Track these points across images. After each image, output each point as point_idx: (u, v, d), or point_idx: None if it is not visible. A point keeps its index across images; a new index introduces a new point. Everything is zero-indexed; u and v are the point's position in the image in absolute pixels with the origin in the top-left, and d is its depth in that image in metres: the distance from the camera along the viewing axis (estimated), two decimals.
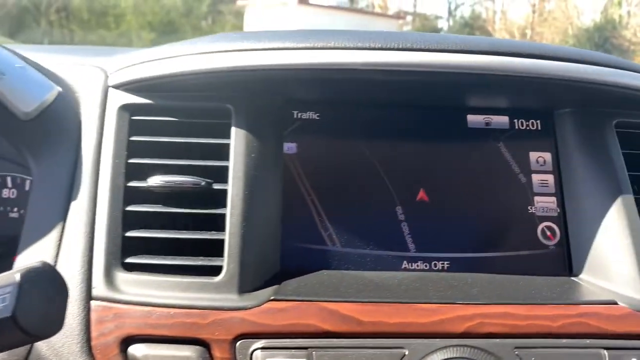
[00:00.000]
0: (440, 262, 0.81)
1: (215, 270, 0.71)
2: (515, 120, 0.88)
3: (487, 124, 0.87)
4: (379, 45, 0.74)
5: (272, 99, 0.83)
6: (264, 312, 0.68)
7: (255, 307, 0.68)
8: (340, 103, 0.86)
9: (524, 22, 24.23)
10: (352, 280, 0.75)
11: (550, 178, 0.85)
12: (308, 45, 0.74)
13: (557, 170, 0.86)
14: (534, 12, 23.52)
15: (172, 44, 0.81)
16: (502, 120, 0.87)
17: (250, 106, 0.80)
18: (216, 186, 0.76)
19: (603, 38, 17.05)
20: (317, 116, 0.85)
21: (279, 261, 0.78)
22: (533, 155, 0.86)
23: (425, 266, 0.81)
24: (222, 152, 0.77)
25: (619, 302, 0.72)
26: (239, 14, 21.06)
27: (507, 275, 0.79)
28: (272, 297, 0.69)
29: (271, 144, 0.81)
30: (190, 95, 0.80)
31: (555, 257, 0.83)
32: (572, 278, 0.80)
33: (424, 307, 0.69)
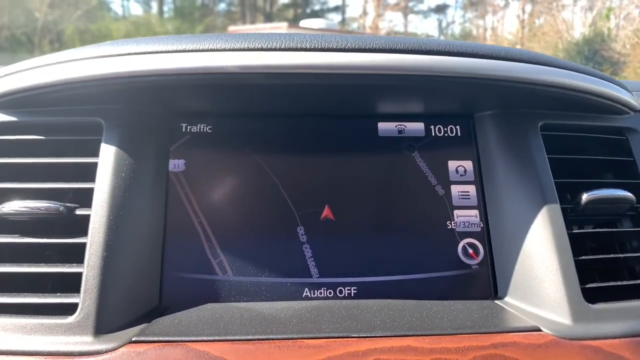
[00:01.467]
0: (347, 287, 0.71)
1: (72, 309, 0.61)
2: (432, 127, 0.79)
3: (400, 131, 0.78)
4: (258, 46, 0.65)
5: (155, 111, 0.74)
6: (120, 356, 0.57)
7: (110, 350, 0.58)
8: (236, 114, 0.77)
9: (514, 37, 24.36)
10: (239, 314, 0.66)
11: (471, 189, 0.76)
12: (176, 48, 0.65)
13: (479, 180, 0.77)
14: (522, 27, 23.67)
15: (42, 56, 0.73)
16: (416, 127, 0.79)
17: (126, 120, 0.71)
18: (79, 212, 0.66)
19: (593, 51, 17.08)
20: (210, 129, 0.76)
21: (158, 295, 0.68)
22: (452, 165, 0.77)
23: (329, 293, 0.71)
24: (92, 172, 0.68)
25: (542, 329, 0.62)
26: None
27: (421, 301, 0.70)
28: (133, 339, 0.59)
29: (152, 161, 0.72)
30: (60, 109, 0.72)
31: (479, 278, 0.73)
32: (496, 302, 0.71)
33: (312, 344, 0.59)
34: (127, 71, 0.64)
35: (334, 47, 0.66)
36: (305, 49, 0.65)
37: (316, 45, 0.66)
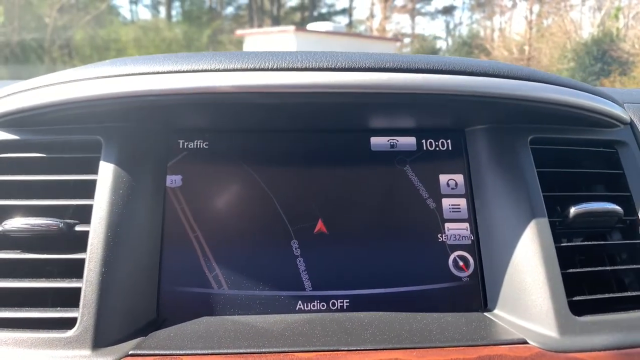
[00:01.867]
0: (340, 300, 0.73)
1: (71, 323, 0.63)
2: (424, 141, 0.80)
3: (393, 146, 0.80)
4: (251, 66, 0.67)
5: (152, 128, 0.76)
6: None
7: None
8: (231, 130, 0.79)
9: (522, 38, 24.25)
10: (233, 328, 0.67)
11: (462, 202, 0.78)
12: (172, 69, 0.67)
13: (470, 193, 0.78)
14: (530, 28, 23.55)
15: (43, 76, 0.75)
16: (408, 141, 0.80)
17: (124, 137, 0.73)
18: (78, 228, 0.69)
19: (601, 51, 16.96)
20: (206, 145, 0.79)
21: (155, 308, 0.70)
22: (443, 178, 0.79)
23: (322, 306, 0.73)
24: (91, 189, 0.70)
25: (529, 341, 0.64)
26: (239, 44, 21.37)
27: (412, 314, 0.71)
28: (130, 352, 0.61)
29: (150, 177, 0.74)
30: (61, 128, 0.74)
31: (469, 290, 0.74)
32: (485, 314, 0.72)
33: (302, 357, 0.61)
34: (124, 92, 0.67)
35: (325, 66, 0.68)
36: (297, 69, 0.67)
37: (307, 65, 0.68)
